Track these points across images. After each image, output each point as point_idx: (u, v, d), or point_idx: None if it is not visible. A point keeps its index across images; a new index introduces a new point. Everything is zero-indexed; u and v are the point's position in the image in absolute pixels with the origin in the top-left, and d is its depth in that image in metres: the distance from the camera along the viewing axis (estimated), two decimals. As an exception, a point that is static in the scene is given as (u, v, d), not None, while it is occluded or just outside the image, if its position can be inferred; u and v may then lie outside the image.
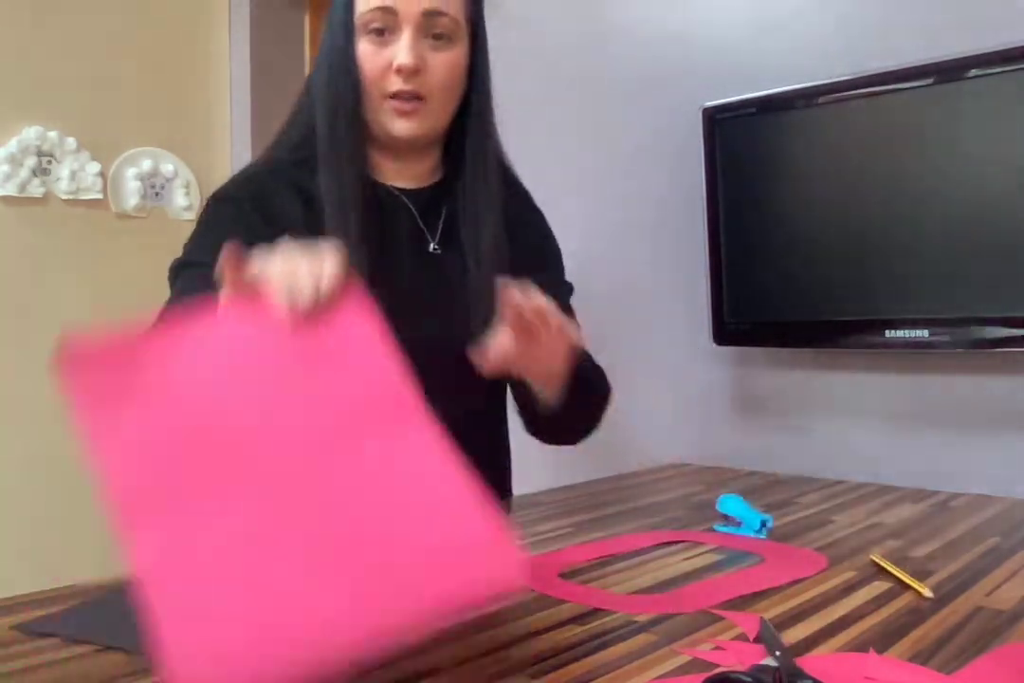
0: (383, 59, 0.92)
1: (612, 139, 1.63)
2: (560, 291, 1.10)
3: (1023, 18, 1.16)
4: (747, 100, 1.34)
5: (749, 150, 1.35)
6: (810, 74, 1.30)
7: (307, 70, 2.36)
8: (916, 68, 1.17)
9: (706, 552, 0.87)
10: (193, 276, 0.88)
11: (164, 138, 2.17)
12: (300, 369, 0.56)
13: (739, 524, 0.95)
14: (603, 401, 1.04)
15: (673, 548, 0.88)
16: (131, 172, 2.10)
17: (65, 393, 0.53)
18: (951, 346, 1.16)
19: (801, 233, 1.29)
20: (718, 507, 1.00)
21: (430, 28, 0.92)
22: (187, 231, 2.22)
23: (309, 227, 0.93)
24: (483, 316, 0.97)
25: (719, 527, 0.96)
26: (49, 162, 1.97)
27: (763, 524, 0.93)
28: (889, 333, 1.20)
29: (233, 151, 2.31)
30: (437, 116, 0.96)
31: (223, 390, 0.55)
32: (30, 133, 1.94)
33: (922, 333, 1.17)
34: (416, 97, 0.93)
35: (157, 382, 0.54)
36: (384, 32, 0.92)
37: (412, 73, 0.92)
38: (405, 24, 0.91)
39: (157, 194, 2.16)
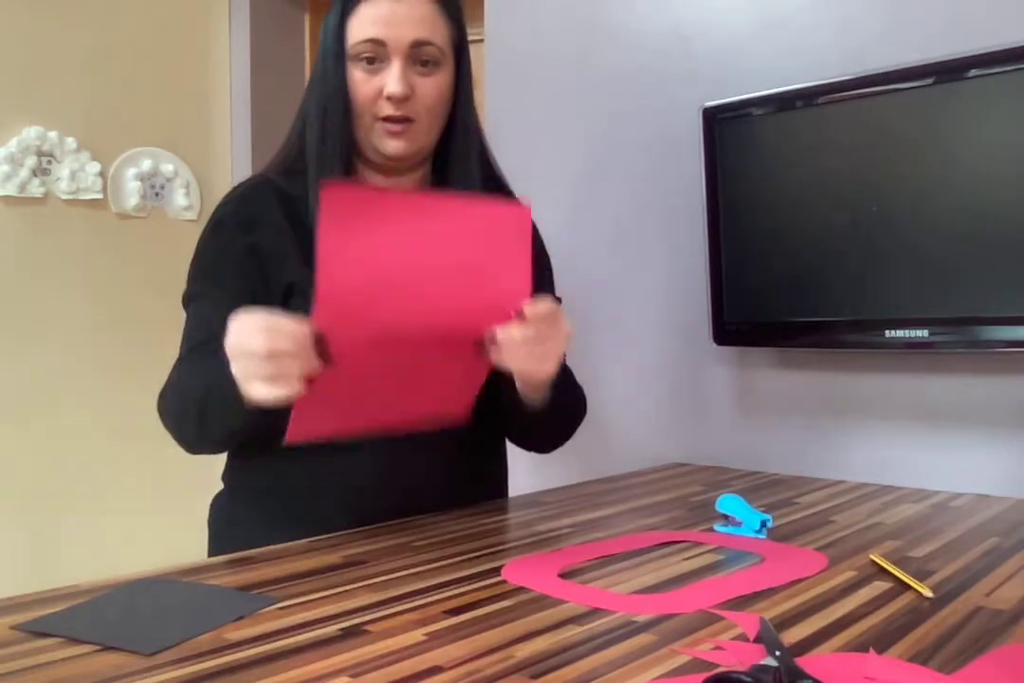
0: (374, 86, 0.98)
1: (612, 139, 1.63)
2: None
3: (1023, 18, 1.16)
4: (747, 100, 1.34)
5: (749, 150, 1.35)
6: (810, 74, 1.30)
7: (307, 70, 2.36)
8: (916, 68, 1.17)
9: (706, 552, 0.87)
10: (198, 308, 1.00)
11: (164, 138, 2.17)
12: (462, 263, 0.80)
13: (739, 524, 0.95)
14: (575, 418, 1.10)
15: (673, 548, 0.88)
16: (131, 172, 2.11)
17: (323, 216, 0.73)
18: (951, 346, 1.16)
19: (801, 233, 1.29)
20: (718, 507, 1.00)
21: (417, 56, 0.98)
22: (187, 231, 2.24)
23: (293, 228, 1.00)
24: None
25: (719, 527, 0.96)
26: (49, 162, 1.97)
27: (763, 524, 0.93)
28: (889, 333, 1.20)
29: (233, 151, 2.31)
30: (425, 135, 1.03)
31: (413, 259, 0.77)
32: (30, 133, 1.94)
33: (922, 333, 1.17)
34: (405, 119, 0.99)
35: (382, 232, 0.75)
36: (374, 61, 0.98)
37: (402, 100, 0.98)
38: (394, 54, 0.97)
39: (157, 194, 2.16)
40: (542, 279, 1.15)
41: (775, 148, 1.32)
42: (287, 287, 0.98)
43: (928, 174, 1.17)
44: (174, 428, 0.99)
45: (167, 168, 2.17)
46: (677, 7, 1.53)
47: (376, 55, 0.97)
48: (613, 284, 1.62)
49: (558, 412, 1.01)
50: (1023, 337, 1.10)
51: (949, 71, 1.14)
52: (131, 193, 2.10)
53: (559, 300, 1.16)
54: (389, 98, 0.97)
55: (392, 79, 0.97)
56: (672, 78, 1.53)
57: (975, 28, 1.20)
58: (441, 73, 1.00)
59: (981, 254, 1.12)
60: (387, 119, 0.99)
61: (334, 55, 0.99)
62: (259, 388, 0.75)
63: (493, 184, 1.09)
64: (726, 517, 0.99)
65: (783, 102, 1.30)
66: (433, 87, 1.00)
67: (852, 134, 1.23)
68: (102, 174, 2.05)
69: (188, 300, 1.03)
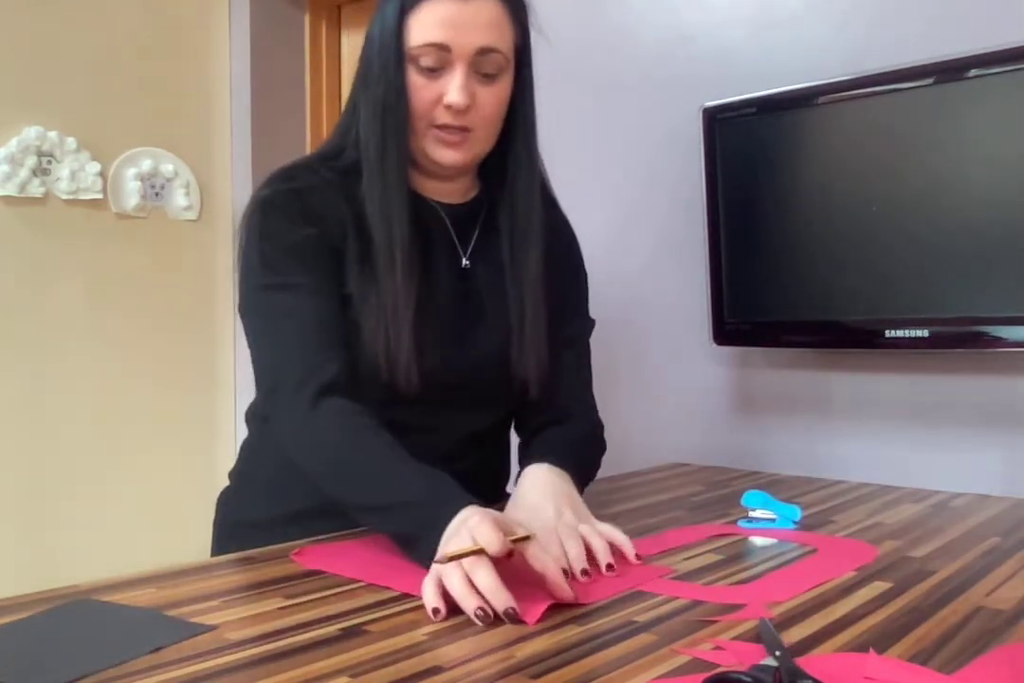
0: (433, 92, 0.92)
1: (612, 139, 1.63)
2: (582, 326, 1.12)
3: (1023, 18, 1.16)
4: (747, 100, 1.34)
5: (749, 150, 1.35)
6: (810, 74, 1.30)
7: (307, 70, 2.36)
8: (916, 68, 1.17)
9: (765, 546, 0.88)
10: (288, 299, 0.91)
11: (164, 138, 2.17)
12: None
13: (773, 519, 0.97)
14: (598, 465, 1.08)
15: (725, 541, 0.89)
16: (131, 172, 2.10)
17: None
18: (951, 346, 1.16)
19: (801, 233, 1.29)
20: (744, 502, 1.00)
21: (481, 65, 0.92)
22: (187, 231, 2.23)
23: (356, 228, 0.94)
24: (522, 336, 1.00)
25: (743, 523, 0.97)
26: (49, 162, 1.97)
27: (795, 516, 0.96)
28: (889, 333, 1.20)
29: (233, 151, 2.31)
30: (481, 145, 0.98)
31: None
32: (30, 133, 1.94)
33: (922, 333, 1.17)
34: (463, 129, 0.94)
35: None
36: (436, 66, 0.92)
37: (462, 111, 0.92)
38: (458, 61, 0.91)
39: (157, 194, 2.16)
40: (577, 284, 1.13)
41: (775, 148, 1.32)
42: (344, 298, 0.94)
43: (928, 174, 1.17)
44: (307, 470, 0.89)
45: (167, 168, 2.17)
46: (678, 7, 1.53)
47: (438, 60, 0.91)
48: (613, 284, 1.61)
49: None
50: (1023, 337, 1.10)
51: (949, 71, 1.14)
52: (131, 193, 2.10)
53: (592, 321, 1.14)
54: (449, 107, 0.92)
55: (454, 88, 0.91)
56: (672, 78, 1.53)
57: (975, 28, 1.20)
58: (503, 81, 0.95)
59: (981, 254, 1.12)
60: (443, 127, 0.93)
61: (393, 54, 0.92)
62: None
63: (543, 192, 1.06)
64: (750, 512, 0.99)
65: (783, 102, 1.30)
66: (494, 97, 0.94)
67: (852, 134, 1.23)
68: (102, 174, 2.05)
69: (268, 291, 0.93)
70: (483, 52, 0.91)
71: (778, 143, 1.32)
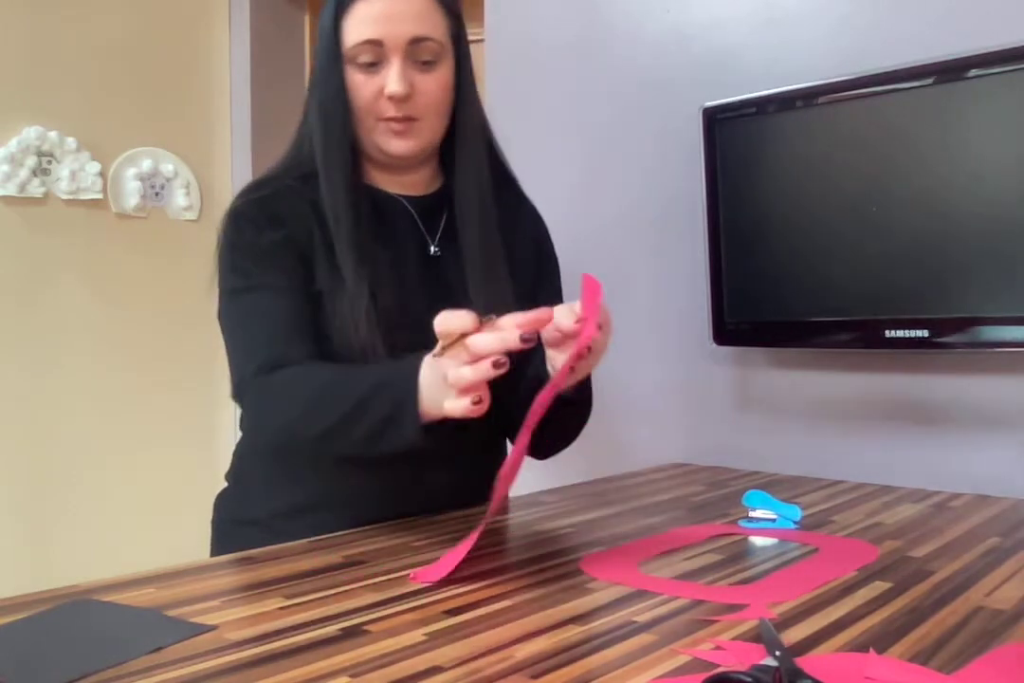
0: (374, 86, 0.96)
1: (612, 139, 1.63)
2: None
3: (1023, 18, 1.16)
4: (747, 100, 1.34)
5: (749, 150, 1.35)
6: (810, 74, 1.30)
7: (307, 70, 2.36)
8: (916, 68, 1.17)
9: (766, 545, 0.88)
10: (258, 300, 0.95)
11: (164, 138, 2.18)
12: None
13: (774, 518, 0.97)
14: (584, 422, 1.07)
15: (723, 542, 0.89)
16: (131, 172, 2.11)
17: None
18: (951, 346, 1.16)
19: (801, 233, 1.29)
20: (745, 502, 1.00)
21: (417, 53, 0.96)
22: (187, 231, 2.24)
23: (321, 227, 0.98)
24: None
25: (744, 523, 0.97)
26: (49, 162, 1.98)
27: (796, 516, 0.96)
28: (889, 333, 1.20)
29: (233, 151, 2.31)
30: (430, 132, 1.01)
31: None
32: (30, 133, 1.94)
33: (922, 333, 1.17)
34: (408, 119, 0.97)
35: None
36: (373, 62, 0.96)
37: (403, 100, 0.96)
38: (392, 54, 0.95)
39: (157, 194, 2.16)
40: (549, 275, 1.16)
41: (775, 148, 1.32)
42: (315, 294, 0.96)
43: (928, 174, 1.17)
44: (284, 417, 0.90)
45: (167, 168, 2.17)
46: (677, 7, 1.53)
47: (375, 56, 0.95)
48: (612, 284, 1.61)
49: (580, 406, 0.99)
50: (1023, 337, 1.10)
51: (949, 71, 1.14)
52: (131, 193, 2.10)
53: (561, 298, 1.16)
54: (390, 98, 0.96)
55: (392, 79, 0.95)
56: (672, 78, 1.53)
57: (975, 28, 1.20)
58: (442, 68, 0.98)
59: (981, 254, 1.12)
60: (390, 119, 0.97)
61: (331, 56, 0.97)
62: (453, 402, 0.74)
63: (502, 178, 1.09)
64: (750, 512, 0.99)
65: (783, 102, 1.30)
66: (434, 83, 0.98)
67: (852, 134, 1.23)
68: (102, 174, 2.05)
69: (238, 294, 0.97)
70: (416, 41, 0.95)
71: (778, 143, 1.32)
